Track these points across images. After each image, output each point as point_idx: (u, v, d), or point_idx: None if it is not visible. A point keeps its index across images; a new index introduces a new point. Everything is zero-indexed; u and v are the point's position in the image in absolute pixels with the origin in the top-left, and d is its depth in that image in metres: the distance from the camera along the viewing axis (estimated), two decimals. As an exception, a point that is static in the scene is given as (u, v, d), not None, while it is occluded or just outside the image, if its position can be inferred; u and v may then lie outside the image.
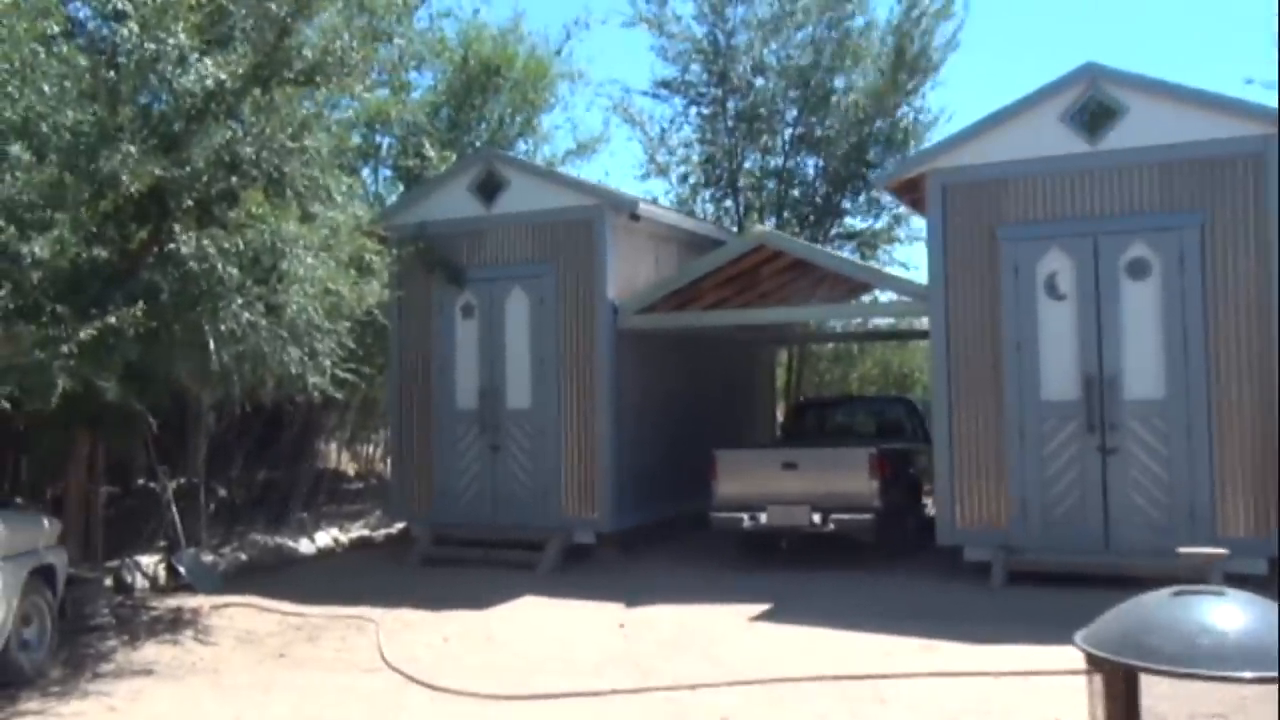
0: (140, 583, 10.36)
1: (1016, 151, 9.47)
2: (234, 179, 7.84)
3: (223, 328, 7.44)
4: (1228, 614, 3.28)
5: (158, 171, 7.32)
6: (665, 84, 16.90)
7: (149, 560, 10.72)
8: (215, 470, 13.13)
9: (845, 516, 10.04)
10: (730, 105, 16.46)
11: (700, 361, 13.20)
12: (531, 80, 16.74)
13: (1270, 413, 8.60)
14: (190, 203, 7.70)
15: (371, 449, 20.47)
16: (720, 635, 7.92)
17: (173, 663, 7.67)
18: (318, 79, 8.00)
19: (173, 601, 9.65)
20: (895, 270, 14.50)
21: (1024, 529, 9.32)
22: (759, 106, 16.36)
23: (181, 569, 10.61)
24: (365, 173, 15.90)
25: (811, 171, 16.44)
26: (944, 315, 9.72)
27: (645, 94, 17.21)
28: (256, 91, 7.86)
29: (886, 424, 12.26)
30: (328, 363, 9.00)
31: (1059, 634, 7.69)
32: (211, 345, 7.26)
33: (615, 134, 27.02)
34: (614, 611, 8.89)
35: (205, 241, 7.40)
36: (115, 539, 10.69)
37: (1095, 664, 3.43)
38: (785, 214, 16.39)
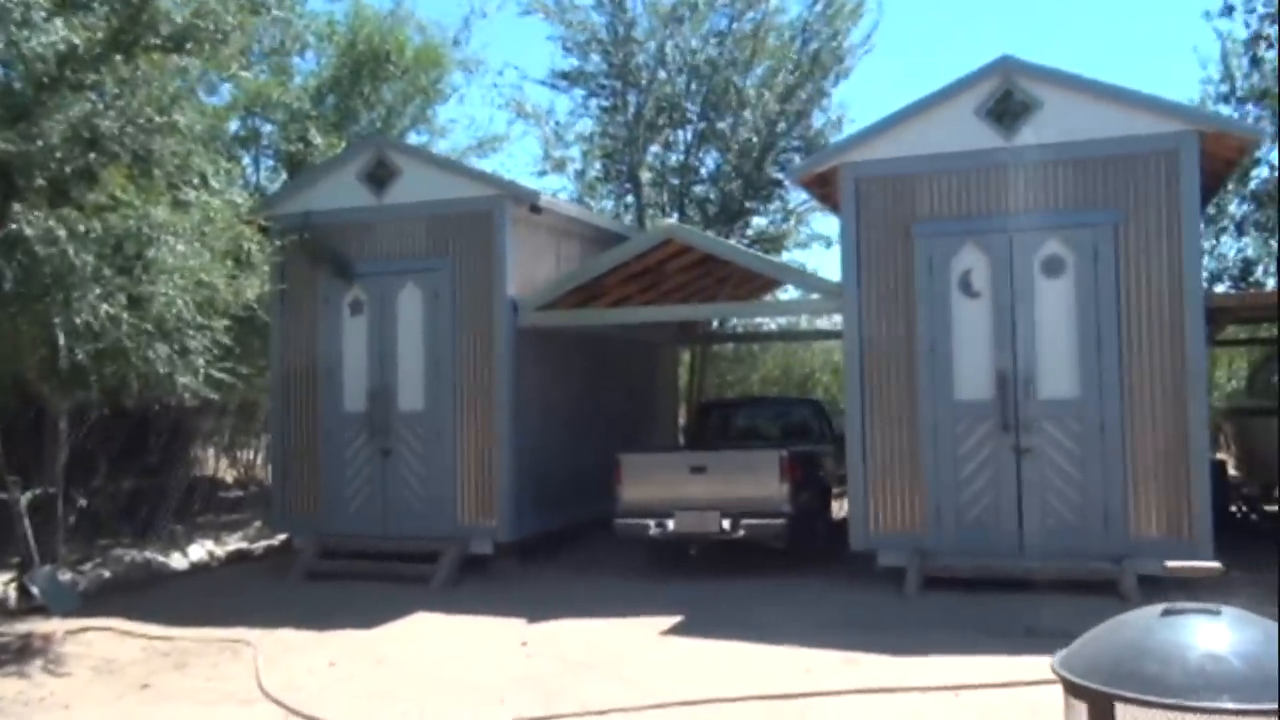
0: (-15, 605, 9.37)
1: (931, 145, 9.24)
2: (93, 156, 7.04)
3: (77, 321, 6.63)
4: (1228, 636, 2.93)
5: (1, 145, 6.50)
6: (564, 75, 16.37)
7: (-3, 579, 9.74)
8: (77, 478, 12.08)
9: (756, 522, 9.67)
10: (631, 99, 16.01)
11: (602, 361, 12.70)
12: (424, 67, 15.99)
13: (1181, 413, 8.52)
14: (41, 181, 6.88)
15: (252, 455, 19.38)
16: (631, 652, 7.43)
17: (17, 699, 6.81)
18: (188, 47, 7.27)
19: (22, 626, 8.71)
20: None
21: (938, 533, 9.08)
22: (661, 100, 15.95)
23: (34, 589, 9.62)
24: (246, 161, 14.97)
25: (715, 169, 16.09)
26: (857, 313, 9.42)
27: (543, 84, 16.65)
28: (118, 59, 7.08)
29: (793, 426, 11.96)
30: (200, 362, 8.23)
31: (982, 642, 7.51)
32: (61, 340, 6.44)
33: (512, 129, 26.28)
34: (515, 627, 8.32)
35: (53, 223, 6.57)
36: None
37: (1079, 693, 3.04)
38: (688, 212, 16.01)
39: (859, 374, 9.41)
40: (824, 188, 10.13)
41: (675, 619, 8.27)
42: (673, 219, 10.86)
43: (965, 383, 9.08)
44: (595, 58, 16.16)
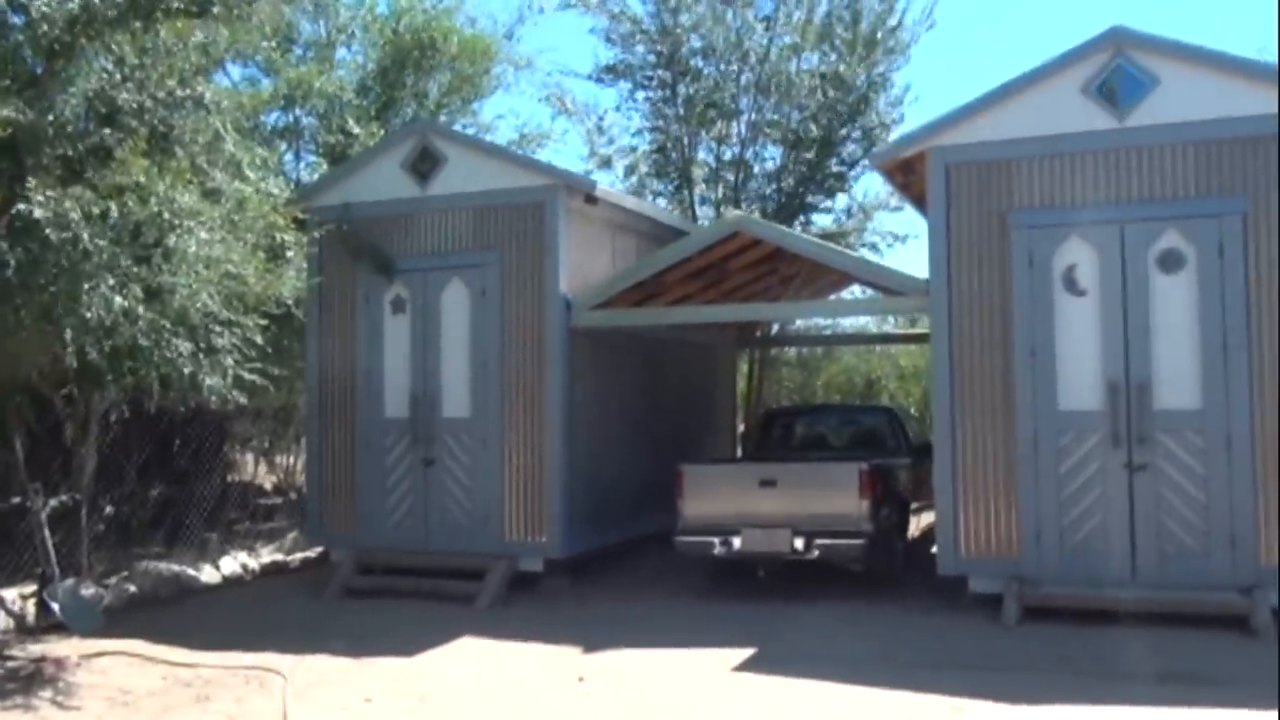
0: (2, 622, 8.73)
1: (1031, 127, 8.33)
2: (108, 131, 6.34)
3: (88, 314, 5.91)
4: None
5: (9, 114, 5.81)
6: (609, 68, 15.55)
7: (15, 594, 9.09)
8: (105, 485, 11.46)
9: (832, 542, 8.80)
10: (680, 90, 15.16)
11: (657, 366, 11.89)
12: (470, 58, 15.30)
13: (1322, 426, 7.54)
14: (52, 158, 6.19)
15: (292, 460, 18.78)
16: (701, 691, 6.59)
17: (18, 737, 6.12)
18: (214, 10, 6.51)
19: (37, 648, 8.05)
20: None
21: (1038, 557, 8.15)
22: (712, 91, 15.08)
23: (54, 605, 8.96)
24: (287, 156, 14.34)
25: (772, 163, 15.24)
26: (947, 314, 8.53)
27: (588, 78, 15.84)
28: (137, 25, 6.36)
29: (866, 436, 11.06)
30: (229, 362, 7.51)
31: (1106, 689, 6.47)
32: (69, 335, 5.72)
33: (556, 126, 25.46)
34: (570, 657, 7.52)
35: (68, 204, 5.85)
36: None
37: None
38: (744, 208, 15.14)
39: (949, 381, 8.51)
40: (908, 175, 9.24)
41: (747, 651, 7.42)
42: (738, 211, 10.04)
43: (1070, 391, 8.16)
44: (640, 49, 15.35)
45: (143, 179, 6.57)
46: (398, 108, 14.87)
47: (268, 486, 17.81)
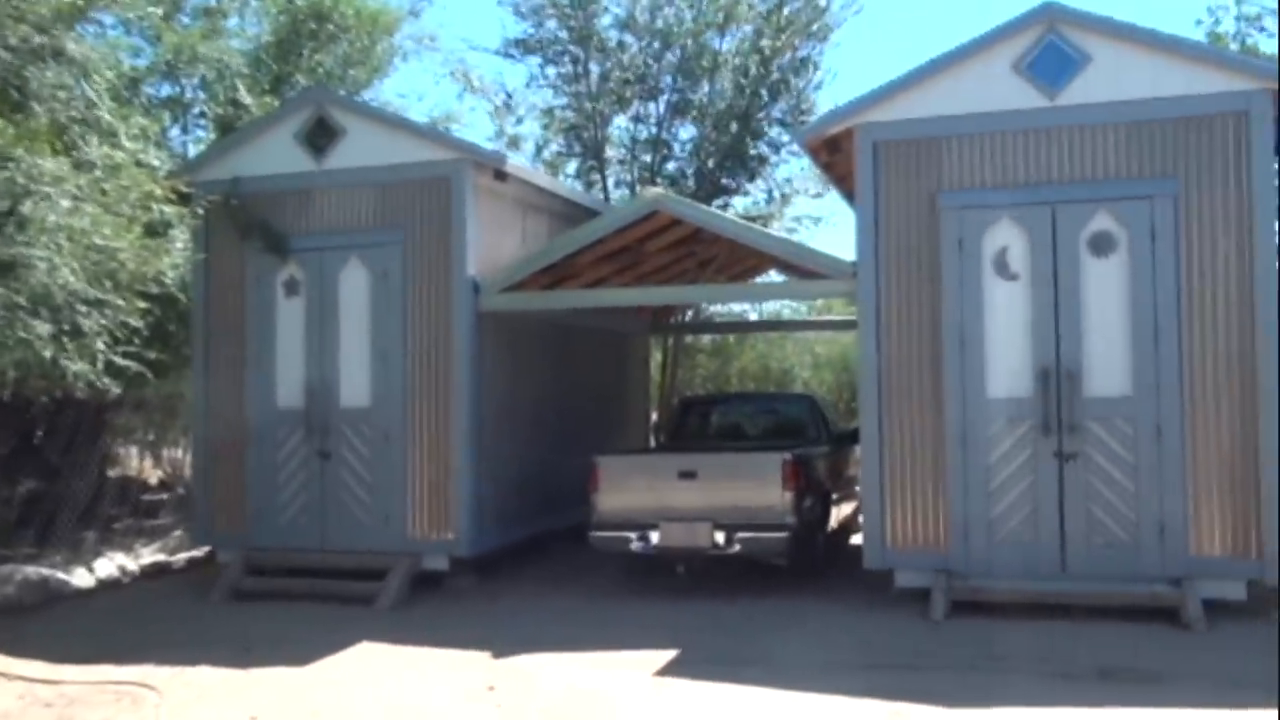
0: None
1: (962, 105, 8.04)
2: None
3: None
4: None
5: None
6: (518, 42, 14.90)
7: None
8: (-35, 482, 10.51)
9: (754, 535, 8.42)
10: (594, 68, 14.61)
11: (568, 353, 11.36)
12: (368, 29, 14.49)
13: (1252, 412, 7.41)
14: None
15: (180, 453, 17.71)
16: (623, 702, 6.11)
17: None
18: (75, -51, 5.78)
19: (-123, 664, 7.18)
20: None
21: (966, 550, 7.88)
22: (627, 68, 14.58)
23: (-99, 615, 8.10)
24: (173, 132, 13.38)
25: (690, 144, 14.77)
26: (874, 299, 8.20)
27: (496, 53, 15.16)
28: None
29: (786, 425, 10.70)
30: (99, 345, 6.78)
31: (1049, 688, 5.72)
32: (-102, 313, 4.98)
33: (462, 105, 24.49)
34: (478, 664, 6.97)
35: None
36: None
37: None
38: (661, 189, 14.68)
39: (876, 367, 8.19)
40: (833, 154, 8.88)
41: (669, 654, 6.97)
42: (657, 189, 9.56)
43: (1000, 378, 7.90)
44: (552, 24, 14.74)
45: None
46: (292, 83, 14.02)
47: (153, 481, 16.80)
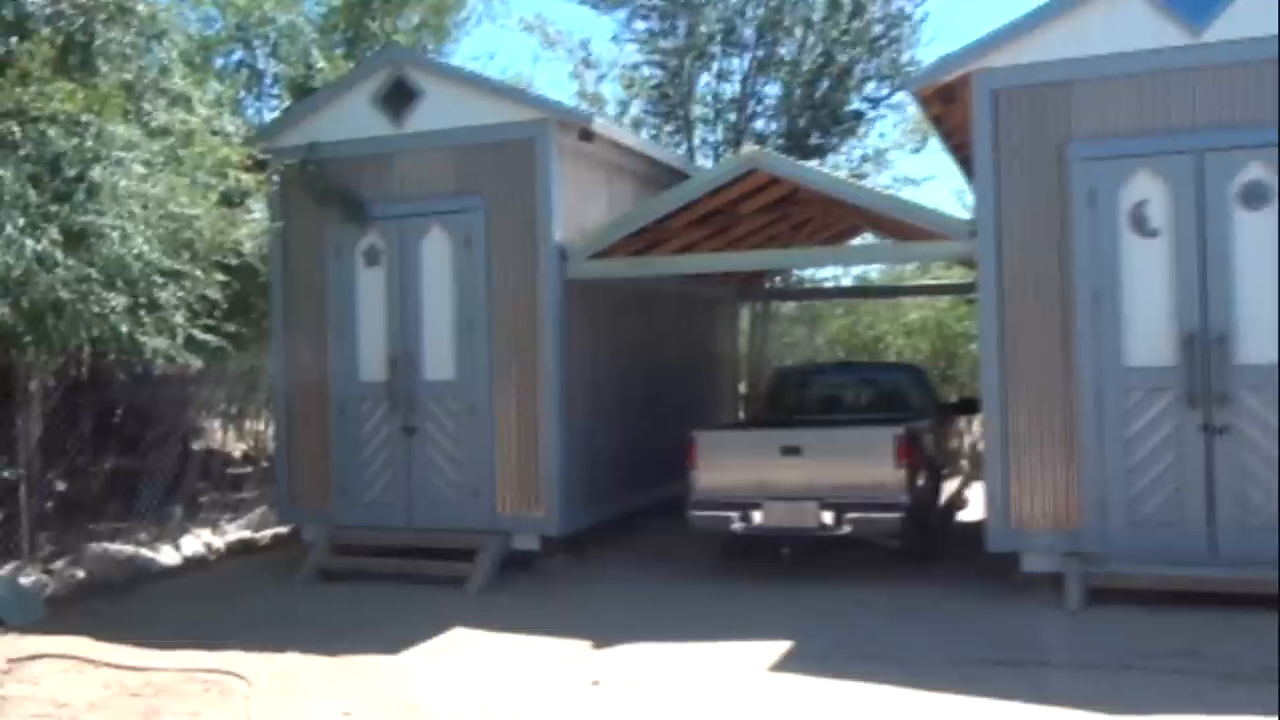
0: (-72, 617, 7.69)
1: (1092, 45, 7.31)
2: (16, 40, 5.21)
3: (-7, 262, 4.83)
4: None
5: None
6: (602, -8, 14.28)
7: (-57, 585, 8.06)
8: (51, 457, 10.37)
9: (865, 515, 7.87)
10: (681, 22, 13.97)
11: (656, 321, 10.87)
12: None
13: None
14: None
15: (262, 426, 17.65)
16: (738, 698, 5.64)
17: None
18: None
19: (-36, 649, 7.00)
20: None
21: (1103, 532, 7.24)
22: (716, 22, 13.90)
23: (-13, 596, 7.94)
24: (246, 101, 13.09)
25: (779, 101, 14.07)
26: (996, 259, 7.55)
27: (581, 2, 14.56)
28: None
29: (890, 397, 10.08)
30: (178, 319, 6.44)
31: (1219, 694, 5.04)
32: (-35, 287, 4.65)
33: (539, 66, 23.82)
34: (579, 654, 6.56)
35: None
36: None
37: None
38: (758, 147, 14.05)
39: (998, 333, 7.55)
40: (946, 105, 8.21)
41: (782, 645, 6.48)
42: (753, 147, 8.96)
43: (1139, 344, 7.21)
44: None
45: (64, 105, 5.47)
46: (364, 48, 13.66)
47: (236, 454, 16.75)
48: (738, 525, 8.15)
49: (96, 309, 5.38)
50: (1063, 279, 7.38)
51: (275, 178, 8.64)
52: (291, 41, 11.62)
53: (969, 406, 10.64)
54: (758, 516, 8.12)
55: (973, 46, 7.66)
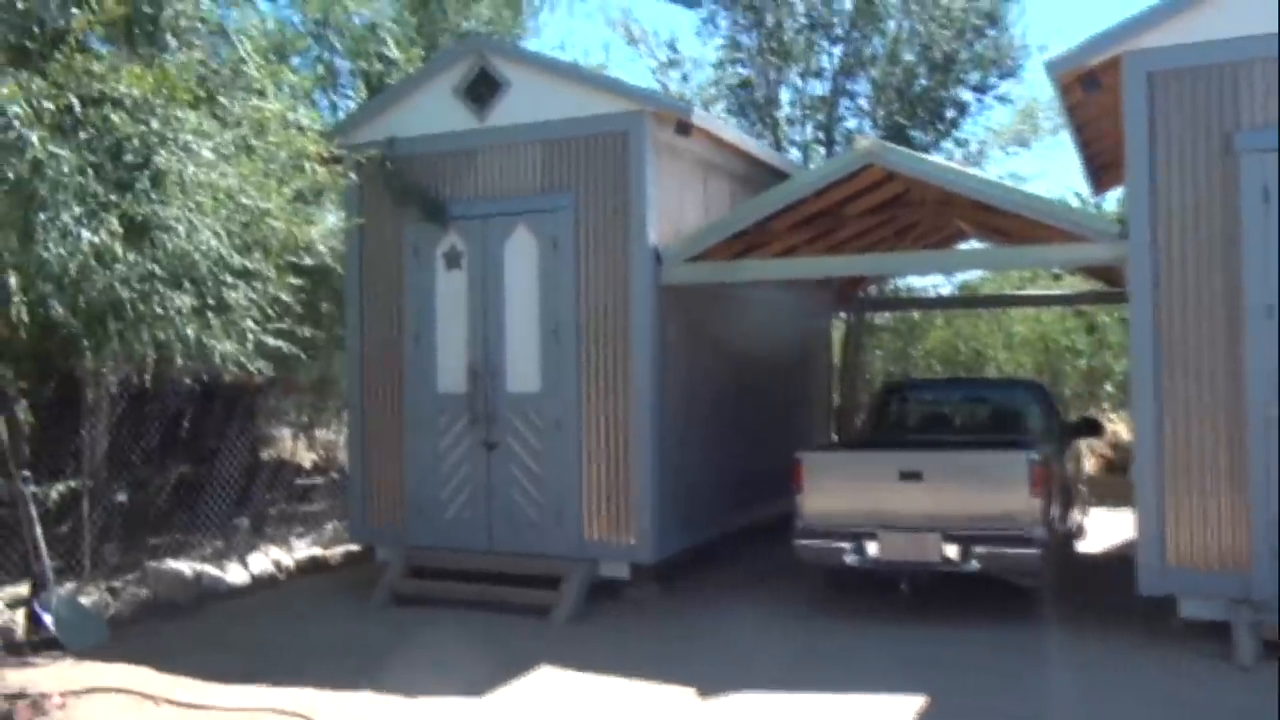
0: (-15, 639, 7.24)
1: (1266, 21, 6.45)
2: (76, 11, 4.67)
3: (45, 255, 4.26)
4: None
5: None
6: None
7: (1, 602, 7.61)
8: (117, 468, 9.94)
9: (997, 550, 7.05)
10: (769, 16, 13.22)
11: (750, 330, 10.11)
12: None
13: None
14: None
15: (333, 435, 17.23)
16: (875, 766, 4.90)
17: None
18: None
19: (18, 676, 6.50)
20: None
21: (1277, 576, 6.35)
22: (804, 16, 13.13)
23: (47, 617, 7.46)
24: (322, 103, 12.66)
25: (872, 97, 13.26)
26: (1150, 263, 6.71)
27: None
28: None
29: (1010, 417, 9.25)
30: (248, 323, 5.88)
31: None
32: (13, 283, 4.08)
33: (617, 62, 23.03)
34: (683, 703, 5.86)
35: (6, 90, 4.18)
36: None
37: None
38: (837, 150, 13.30)
39: (1151, 347, 6.70)
40: (1088, 92, 7.36)
41: (915, 701, 5.71)
42: (869, 138, 8.17)
43: (1322, 360, 6.32)
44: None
45: (127, 87, 4.92)
46: (438, 44, 13.17)
47: (306, 464, 16.35)
48: (851, 557, 7.39)
49: (160, 310, 4.82)
50: (1230, 284, 6.52)
51: (352, 174, 8.07)
52: (369, 34, 11.10)
53: (1090, 428, 9.78)
54: (873, 548, 7.35)
55: (1126, 24, 6.83)
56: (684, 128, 8.27)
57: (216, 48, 7.09)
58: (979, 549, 7.07)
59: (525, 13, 13.99)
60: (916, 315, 15.05)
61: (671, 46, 14.06)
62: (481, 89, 8.61)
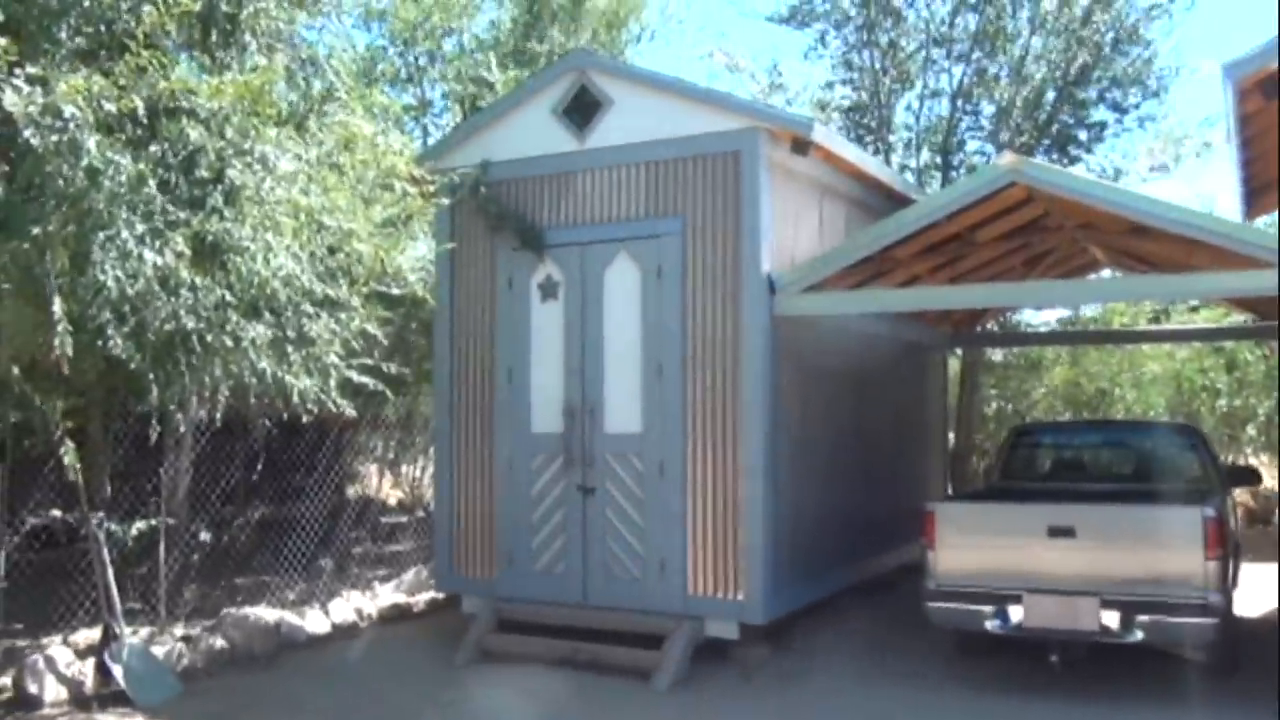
0: (54, 690, 6.81)
1: None
2: (147, 9, 4.19)
3: (101, 275, 3.75)
4: None
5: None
6: (798, 11, 12.92)
7: (71, 651, 7.18)
8: (198, 506, 9.55)
9: (1166, 619, 6.15)
10: (882, 36, 12.51)
11: (864, 368, 9.36)
12: (617, 5, 13.05)
13: None
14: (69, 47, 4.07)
15: (419, 472, 16.81)
16: None
17: None
18: None
19: (82, 735, 6.02)
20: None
21: None
22: (923, 36, 12.40)
23: (116, 669, 7.00)
24: (414, 132, 12.31)
25: (992, 120, 12.43)
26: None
27: (770, 20, 13.24)
28: None
29: (1161, 465, 8.30)
30: (331, 357, 5.34)
31: None
32: (56, 309, 3.56)
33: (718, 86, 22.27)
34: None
35: (63, 89, 3.69)
36: (23, 615, 7.24)
37: None
38: (955, 175, 12.47)
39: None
40: (1268, 99, 6.49)
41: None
42: (1011, 155, 7.35)
43: None
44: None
45: (207, 99, 4.43)
46: (534, 68, 12.78)
47: (392, 502, 15.95)
48: (992, 623, 6.54)
49: (231, 342, 4.28)
50: None
51: (444, 199, 7.57)
52: (461, 54, 10.67)
53: (1248, 476, 8.78)
54: (1017, 613, 6.50)
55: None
56: (801, 146, 7.60)
57: (302, 73, 6.65)
58: (1143, 617, 6.19)
59: (623, 41, 13.54)
60: (1036, 353, 14.04)
61: (777, 71, 13.39)
62: (582, 108, 8.06)
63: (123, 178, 3.71)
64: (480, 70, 10.48)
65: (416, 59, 10.85)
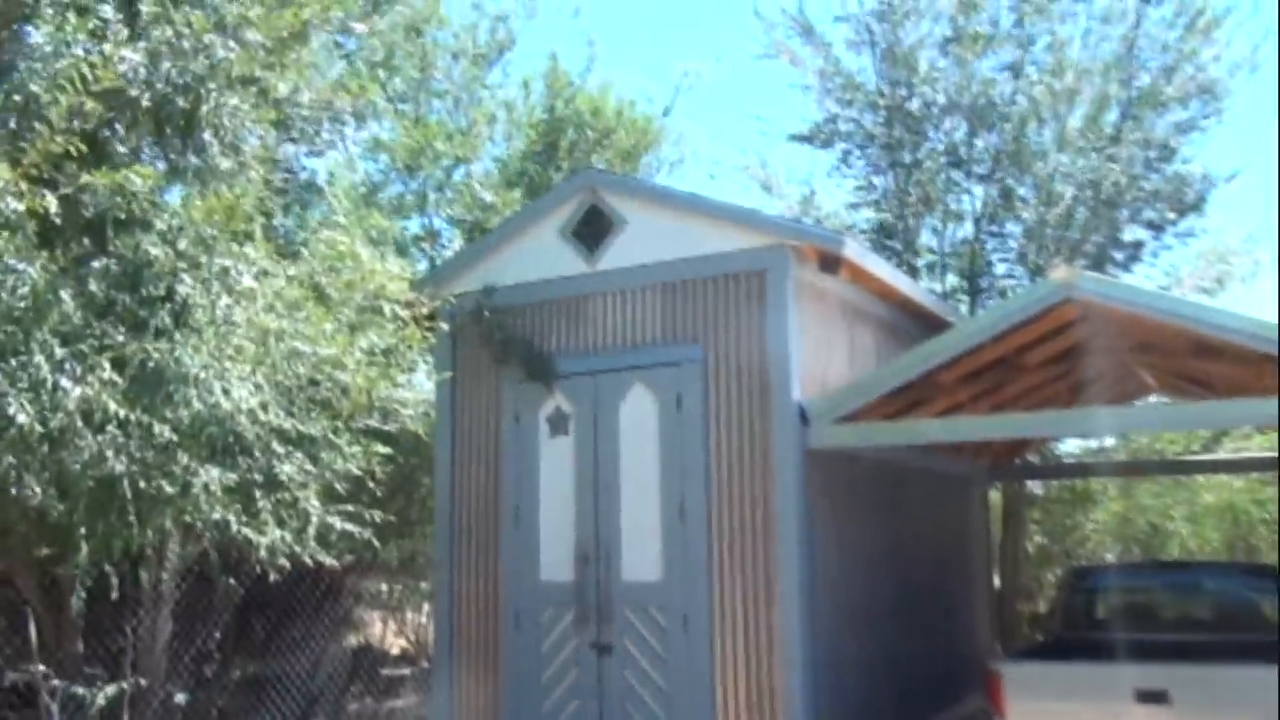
0: None
1: None
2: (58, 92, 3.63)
3: (7, 407, 3.08)
4: None
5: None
6: (820, 129, 12.63)
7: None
8: (177, 660, 8.68)
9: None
10: (906, 155, 12.13)
11: (902, 505, 8.58)
12: (631, 134, 12.83)
13: None
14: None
15: (423, 619, 15.87)
16: None
17: None
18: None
19: None
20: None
21: None
22: (945, 155, 12.02)
23: None
24: (421, 262, 11.88)
25: (1021, 239, 11.92)
26: None
27: (795, 139, 12.90)
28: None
29: (1243, 612, 7.41)
30: (314, 505, 4.62)
31: None
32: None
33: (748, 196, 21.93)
34: None
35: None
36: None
37: None
38: (983, 304, 11.90)
39: None
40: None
41: None
42: (1065, 268, 6.73)
43: None
44: (857, 108, 12.42)
45: (174, 217, 3.87)
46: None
47: (394, 651, 14.97)
48: (1076, 807, 5.60)
49: (177, 488, 3.59)
50: None
51: (443, 324, 6.97)
52: (468, 186, 10.28)
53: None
54: (1104, 795, 5.57)
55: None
56: (830, 264, 7.02)
57: (296, 201, 6.13)
58: (1258, 804, 5.25)
59: (641, 168, 13.29)
60: (1084, 485, 13.18)
61: (811, 198, 13.01)
62: (592, 228, 7.55)
63: (25, 289, 3.08)
64: (483, 193, 10.05)
65: (422, 186, 10.46)
